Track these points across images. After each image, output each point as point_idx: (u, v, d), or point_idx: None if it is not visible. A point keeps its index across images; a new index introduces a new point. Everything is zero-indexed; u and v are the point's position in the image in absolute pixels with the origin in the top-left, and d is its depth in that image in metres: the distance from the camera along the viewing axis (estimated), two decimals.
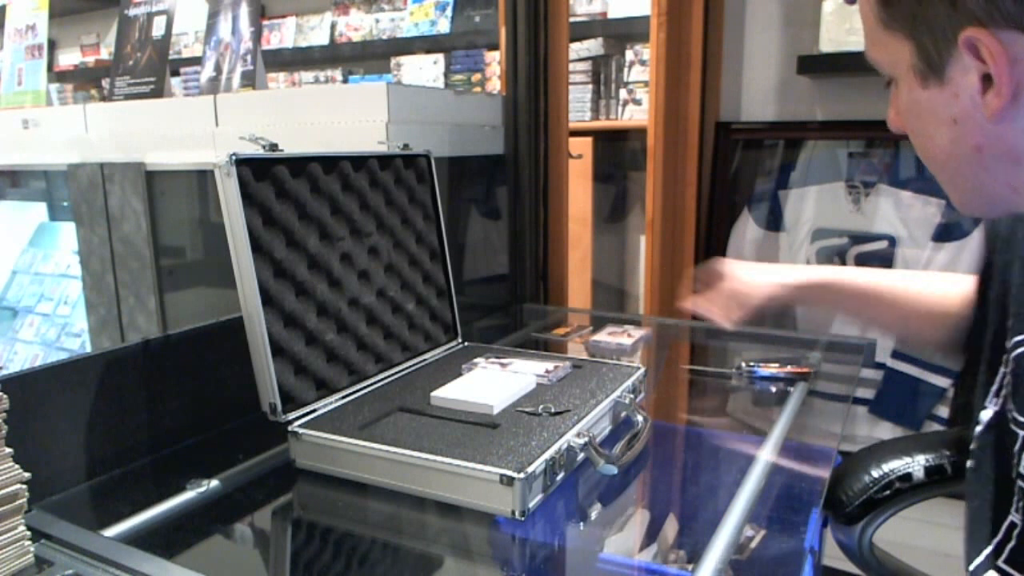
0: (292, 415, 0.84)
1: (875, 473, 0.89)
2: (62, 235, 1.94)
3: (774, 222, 1.82)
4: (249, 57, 1.54)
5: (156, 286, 1.58)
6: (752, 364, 1.14)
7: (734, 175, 1.85)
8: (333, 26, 3.18)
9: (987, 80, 0.52)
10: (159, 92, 1.65)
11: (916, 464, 0.89)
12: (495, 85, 2.72)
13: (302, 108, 1.34)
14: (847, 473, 0.91)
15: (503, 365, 1.00)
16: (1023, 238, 0.71)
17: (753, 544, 0.68)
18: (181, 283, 1.61)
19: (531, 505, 0.72)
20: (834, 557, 1.04)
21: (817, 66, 1.66)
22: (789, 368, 1.12)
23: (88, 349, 1.67)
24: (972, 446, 0.70)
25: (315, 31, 3.21)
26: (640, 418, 0.89)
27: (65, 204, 1.83)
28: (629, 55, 2.47)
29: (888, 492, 0.89)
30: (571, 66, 2.13)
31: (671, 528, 0.73)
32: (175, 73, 2.97)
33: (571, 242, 1.71)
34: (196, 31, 3.31)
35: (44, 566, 0.62)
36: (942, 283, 0.92)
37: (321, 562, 0.69)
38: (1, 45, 2.08)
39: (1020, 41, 0.50)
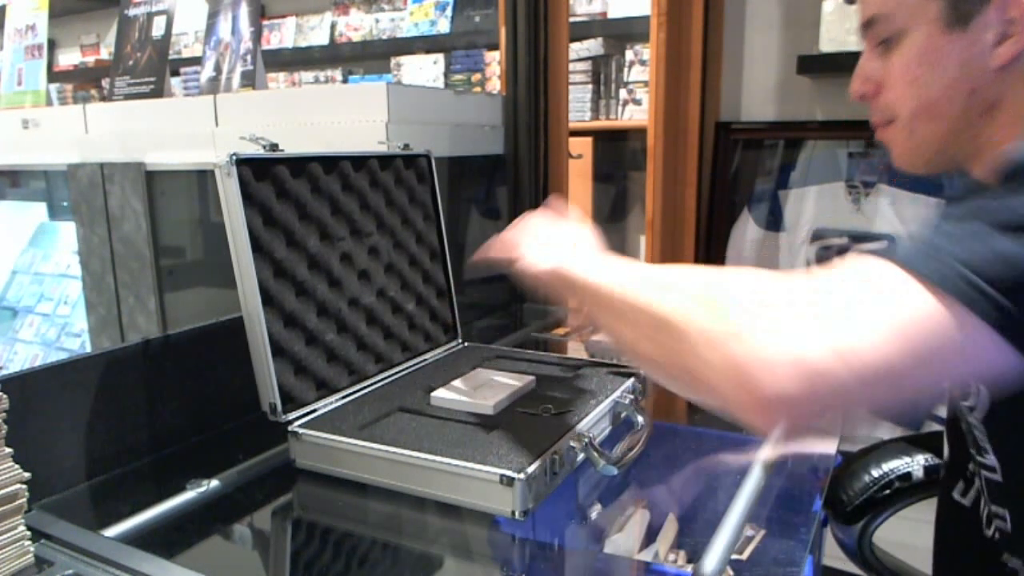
0: (292, 415, 0.84)
1: (875, 472, 0.89)
2: (62, 235, 1.94)
3: (774, 222, 1.82)
4: (249, 57, 1.54)
5: (156, 286, 1.58)
6: None
7: (734, 175, 1.85)
8: (333, 26, 3.18)
9: (1002, 33, 0.61)
10: (159, 92, 1.65)
11: (915, 464, 0.90)
12: (495, 85, 2.72)
13: (302, 108, 1.34)
14: (847, 473, 0.91)
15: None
16: None
17: (753, 544, 0.68)
18: (181, 283, 1.61)
19: (531, 505, 0.72)
20: (834, 557, 1.04)
21: (817, 66, 1.66)
22: None
23: (88, 349, 1.67)
24: None
25: (315, 31, 3.21)
26: (640, 418, 0.89)
27: (65, 204, 1.83)
28: (629, 55, 2.47)
29: (888, 491, 0.89)
30: (571, 66, 2.12)
31: (671, 528, 0.73)
32: (175, 73, 2.97)
33: None
34: (196, 31, 3.31)
35: (44, 566, 0.62)
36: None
37: (321, 562, 0.69)
38: (1, 45, 2.08)
39: None
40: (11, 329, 1.97)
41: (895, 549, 0.99)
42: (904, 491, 0.89)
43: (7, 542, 0.59)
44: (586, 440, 0.79)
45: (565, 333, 1.39)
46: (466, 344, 1.14)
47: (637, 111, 2.45)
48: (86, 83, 3.69)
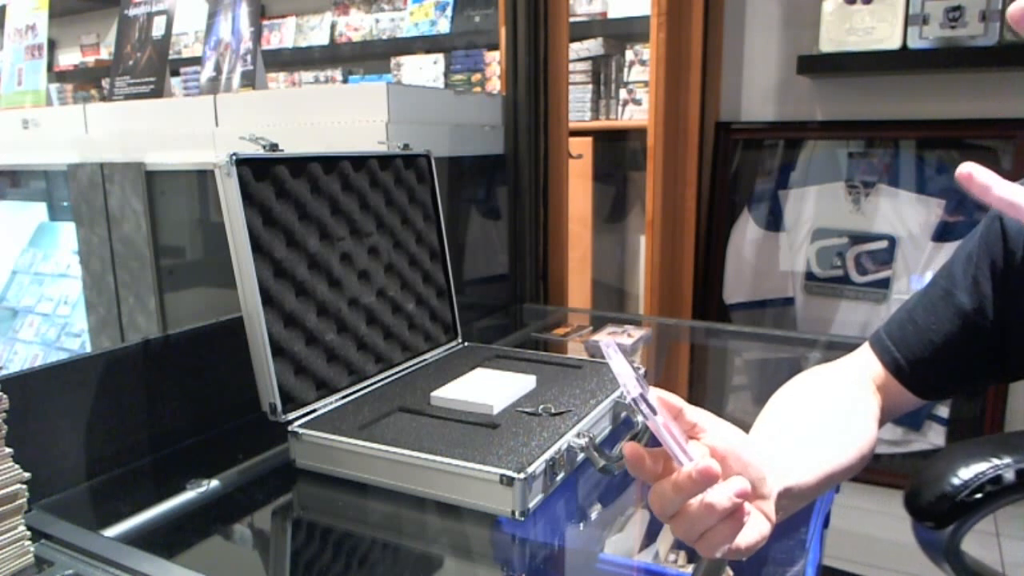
0: (292, 415, 0.84)
1: (964, 476, 0.87)
2: (62, 235, 1.94)
3: (774, 222, 1.82)
4: (249, 57, 1.54)
5: (156, 286, 1.58)
6: None
7: (734, 175, 1.85)
8: (333, 26, 3.18)
9: None
10: (159, 92, 1.65)
11: (1005, 467, 0.87)
12: (495, 85, 2.72)
13: (302, 108, 1.34)
14: (933, 477, 0.89)
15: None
16: None
17: None
18: (181, 283, 1.61)
19: (531, 505, 0.72)
20: (834, 557, 1.03)
21: (817, 66, 1.66)
22: None
23: (88, 349, 1.67)
24: None
25: (315, 31, 3.21)
26: (640, 418, 0.89)
27: (65, 204, 1.83)
28: (629, 55, 2.47)
29: (979, 495, 0.87)
30: (571, 66, 2.12)
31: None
32: (175, 73, 2.97)
33: (571, 242, 1.71)
34: (196, 31, 3.31)
35: (44, 566, 0.62)
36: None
37: (321, 562, 0.69)
38: (1, 45, 2.08)
39: None
40: (11, 329, 1.97)
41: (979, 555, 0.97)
42: (994, 495, 0.87)
43: (7, 542, 0.59)
44: (586, 440, 0.79)
45: (565, 333, 1.39)
46: (466, 344, 1.14)
47: (637, 111, 2.45)
48: (86, 83, 3.69)
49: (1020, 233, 0.67)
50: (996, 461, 0.88)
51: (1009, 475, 0.87)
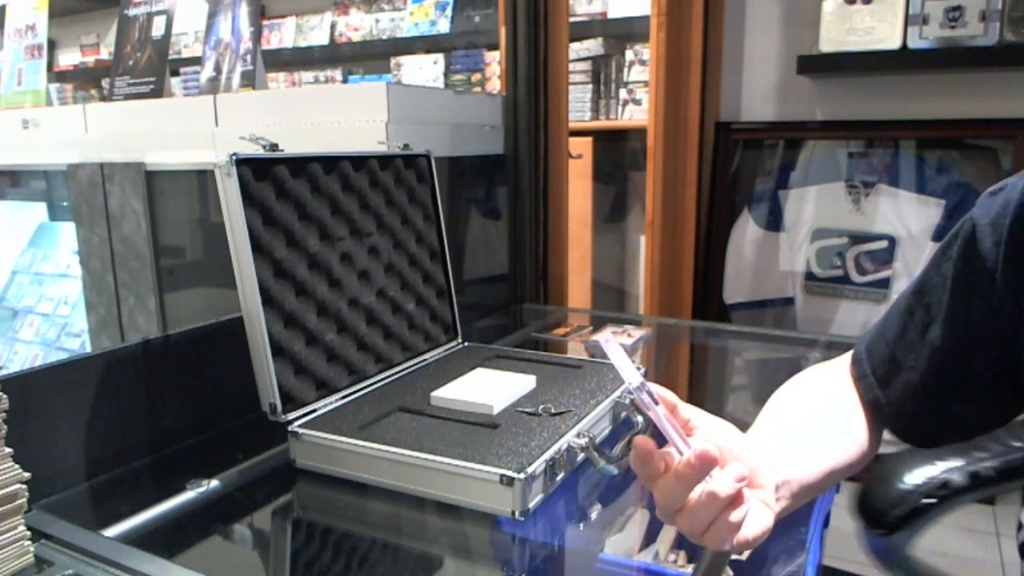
0: (292, 415, 0.84)
1: (911, 481, 0.86)
2: (62, 235, 1.94)
3: (774, 222, 1.82)
4: (249, 57, 1.54)
5: (156, 286, 1.58)
6: None
7: (734, 175, 1.85)
8: (333, 26, 3.18)
9: None
10: (159, 92, 1.65)
11: (952, 470, 0.86)
12: (495, 85, 2.72)
13: (302, 108, 1.34)
14: (880, 482, 0.88)
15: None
16: None
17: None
18: (181, 283, 1.61)
19: (531, 505, 0.72)
20: (834, 557, 1.03)
21: (817, 66, 1.66)
22: None
23: (88, 349, 1.67)
24: None
25: (315, 31, 3.21)
26: (640, 418, 0.89)
27: (65, 204, 1.83)
28: (629, 55, 2.47)
29: (928, 500, 0.86)
30: (571, 66, 2.12)
31: (671, 528, 0.73)
32: (175, 73, 2.97)
33: (571, 242, 1.71)
34: (196, 31, 3.31)
35: (44, 566, 0.62)
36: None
37: (321, 562, 0.69)
38: (1, 45, 2.08)
39: None
40: (11, 329, 1.97)
41: (930, 556, 0.96)
42: (945, 499, 0.85)
43: (7, 542, 0.59)
44: (586, 440, 0.79)
45: (565, 333, 1.39)
46: (466, 344, 1.14)
47: (637, 111, 2.45)
48: (86, 83, 3.69)
49: (996, 257, 0.60)
50: (941, 464, 0.87)
51: (957, 478, 0.86)
